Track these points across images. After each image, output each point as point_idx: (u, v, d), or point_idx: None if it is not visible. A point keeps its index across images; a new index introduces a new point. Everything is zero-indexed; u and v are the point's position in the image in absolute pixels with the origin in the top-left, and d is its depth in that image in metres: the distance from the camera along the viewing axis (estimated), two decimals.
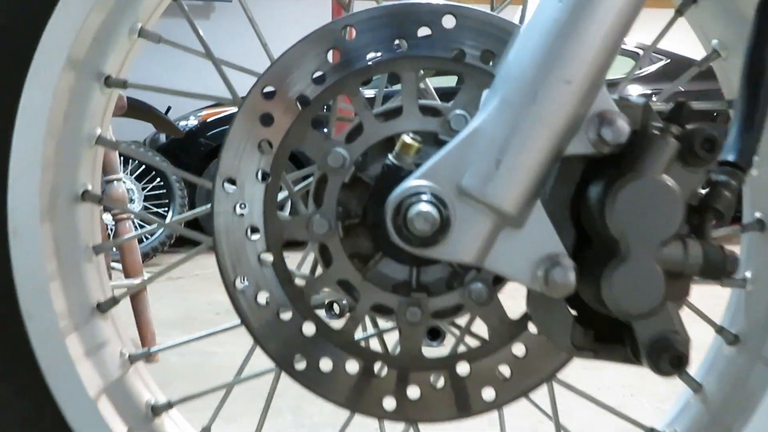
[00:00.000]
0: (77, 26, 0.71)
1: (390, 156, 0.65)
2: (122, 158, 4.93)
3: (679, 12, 0.80)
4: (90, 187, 0.81)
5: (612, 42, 0.56)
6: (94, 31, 0.75)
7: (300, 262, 0.88)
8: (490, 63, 0.67)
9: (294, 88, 0.66)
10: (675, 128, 0.56)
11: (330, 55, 0.67)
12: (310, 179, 0.71)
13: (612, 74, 0.61)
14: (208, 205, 0.69)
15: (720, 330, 0.82)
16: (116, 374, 0.80)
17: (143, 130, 5.24)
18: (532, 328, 0.70)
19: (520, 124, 0.56)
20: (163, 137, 5.51)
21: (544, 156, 0.56)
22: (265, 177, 0.67)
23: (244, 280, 0.67)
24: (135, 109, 3.97)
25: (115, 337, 0.84)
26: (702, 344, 0.78)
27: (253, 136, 0.66)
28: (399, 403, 0.68)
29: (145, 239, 5.13)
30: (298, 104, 0.67)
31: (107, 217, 3.69)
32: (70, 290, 0.77)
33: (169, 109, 6.01)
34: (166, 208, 4.96)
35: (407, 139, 0.64)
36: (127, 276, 2.53)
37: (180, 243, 5.06)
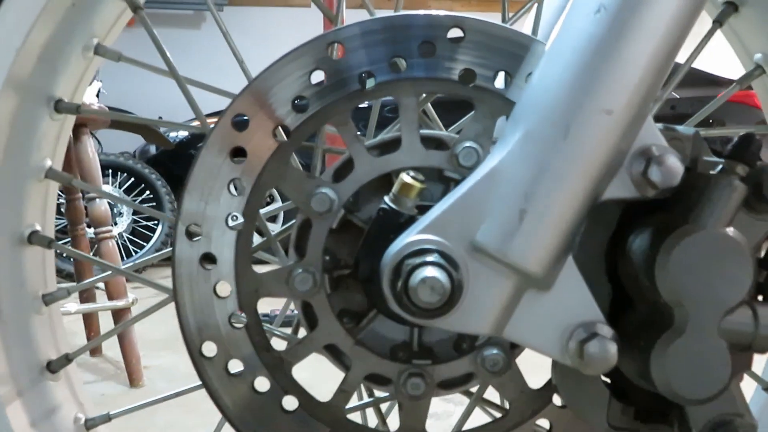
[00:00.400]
0: (17, 44, 0.61)
1: (386, 198, 0.54)
2: (111, 170, 4.81)
3: (718, 22, 0.70)
4: (39, 228, 0.70)
5: (663, 60, 0.45)
6: (39, 49, 0.64)
7: (278, 317, 0.77)
8: (505, 86, 0.56)
9: (271, 116, 0.55)
10: (741, 168, 0.46)
11: (315, 77, 0.56)
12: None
13: None
14: (170, 249, 0.58)
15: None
16: None
17: (133, 141, 5.13)
18: (558, 399, 0.59)
19: (549, 165, 0.45)
20: (153, 148, 5.40)
21: (579, 203, 0.46)
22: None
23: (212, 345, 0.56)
24: (121, 120, 3.83)
25: (69, 401, 0.72)
26: None
27: (222, 175, 0.55)
28: None
29: (134, 253, 5.00)
30: (276, 136, 0.56)
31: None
32: (13, 349, 0.66)
33: (159, 119, 5.90)
34: (156, 221, 4.84)
35: (407, 178, 0.53)
36: (110, 298, 2.41)
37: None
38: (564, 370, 0.53)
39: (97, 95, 3.28)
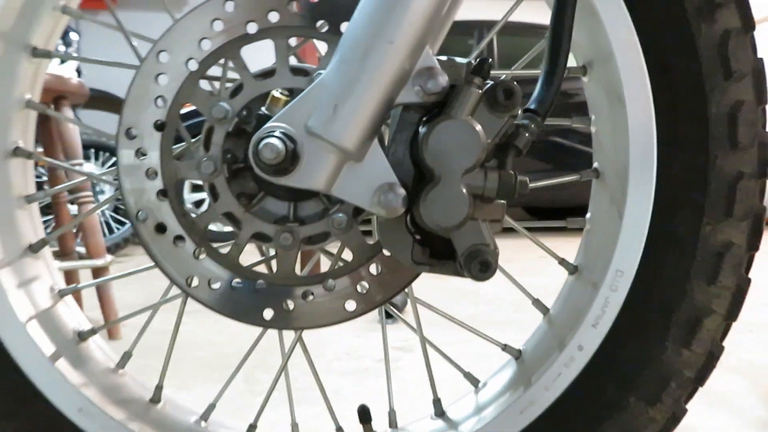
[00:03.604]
0: (1, 3, 0.84)
1: (263, 108, 0.78)
2: (93, 149, 5.01)
3: None
4: (21, 144, 0.93)
5: (432, 8, 0.69)
6: (20, 6, 0.87)
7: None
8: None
9: (184, 52, 0.79)
10: (478, 80, 0.70)
11: (216, 25, 0.80)
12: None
13: None
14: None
15: (561, 261, 0.96)
16: (46, 305, 0.93)
17: (115, 122, 5.29)
18: (386, 251, 0.84)
19: (352, 78, 0.69)
20: None
21: (375, 103, 0.70)
22: (161, 127, 0.81)
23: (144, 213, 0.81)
24: (100, 101, 4.05)
25: (46, 274, 0.96)
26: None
27: (149, 93, 0.80)
28: (276, 314, 0.82)
29: (116, 230, 5.22)
30: (187, 66, 0.80)
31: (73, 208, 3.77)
32: (4, 233, 0.90)
33: None
34: None
35: (276, 93, 0.77)
36: (90, 257, 2.63)
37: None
38: (383, 226, 0.78)
39: (78, 73, 3.48)
